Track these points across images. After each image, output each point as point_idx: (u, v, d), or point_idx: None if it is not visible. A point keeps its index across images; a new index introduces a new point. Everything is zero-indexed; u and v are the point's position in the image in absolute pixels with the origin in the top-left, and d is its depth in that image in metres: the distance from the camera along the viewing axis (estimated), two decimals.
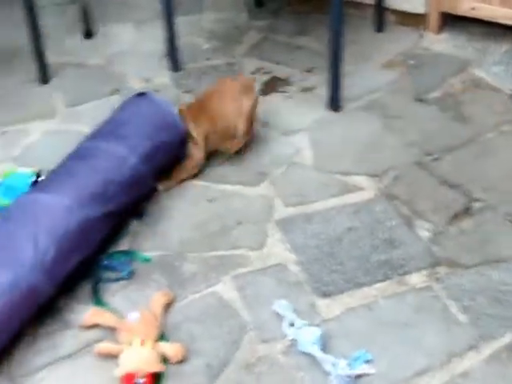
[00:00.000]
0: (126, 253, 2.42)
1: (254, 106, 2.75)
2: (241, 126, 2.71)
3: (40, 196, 2.31)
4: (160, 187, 2.64)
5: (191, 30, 3.61)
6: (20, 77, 3.34)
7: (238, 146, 2.77)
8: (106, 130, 2.57)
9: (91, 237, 2.30)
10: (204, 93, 2.86)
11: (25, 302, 2.09)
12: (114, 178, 2.39)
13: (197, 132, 2.67)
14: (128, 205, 2.45)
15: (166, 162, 2.62)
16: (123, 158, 2.44)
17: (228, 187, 2.67)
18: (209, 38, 3.58)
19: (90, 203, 2.29)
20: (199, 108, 2.75)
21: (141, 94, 2.68)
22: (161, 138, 2.56)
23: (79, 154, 2.48)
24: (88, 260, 2.31)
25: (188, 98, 3.05)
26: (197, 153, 2.68)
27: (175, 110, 2.67)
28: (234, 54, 3.44)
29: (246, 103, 2.72)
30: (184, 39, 3.38)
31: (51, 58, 3.33)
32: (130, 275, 2.34)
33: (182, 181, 2.68)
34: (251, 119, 2.76)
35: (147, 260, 2.39)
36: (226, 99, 2.73)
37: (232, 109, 2.71)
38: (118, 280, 2.32)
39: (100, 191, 2.34)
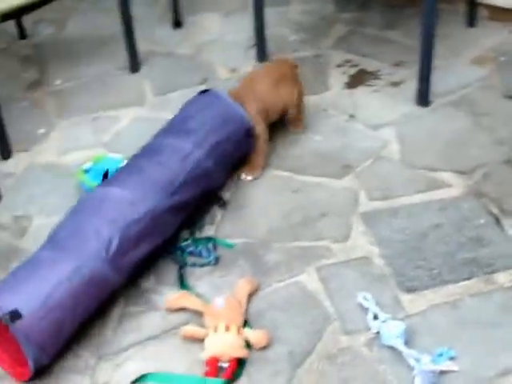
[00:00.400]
0: (210, 239, 2.46)
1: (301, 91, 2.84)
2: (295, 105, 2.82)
3: (107, 189, 2.35)
4: (248, 177, 2.68)
5: (279, 21, 3.62)
6: (111, 64, 3.41)
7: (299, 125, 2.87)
8: (172, 127, 2.62)
9: (158, 228, 2.32)
10: (250, 75, 2.91)
11: (89, 290, 2.12)
12: (179, 172, 2.41)
13: (249, 109, 2.68)
14: (196, 197, 2.47)
15: (233, 155, 2.64)
16: (188, 152, 2.46)
17: (312, 179, 2.68)
18: (296, 29, 3.59)
19: (155, 196, 2.32)
20: (247, 89, 2.77)
21: (205, 91, 2.71)
22: (226, 132, 2.57)
23: (147, 151, 2.52)
24: (162, 249, 2.37)
25: None
26: (259, 128, 2.70)
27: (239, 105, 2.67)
28: (321, 46, 3.44)
29: (297, 87, 2.81)
30: (271, 30, 3.40)
31: (141, 46, 3.39)
32: (216, 261, 2.37)
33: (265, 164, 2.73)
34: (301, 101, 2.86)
35: (230, 246, 2.42)
36: (273, 81, 2.78)
37: (282, 91, 2.78)
38: (203, 266, 2.36)
39: (165, 185, 2.37)
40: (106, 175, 2.53)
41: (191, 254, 2.41)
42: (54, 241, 2.22)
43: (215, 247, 2.42)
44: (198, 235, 2.48)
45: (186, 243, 2.44)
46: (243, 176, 2.69)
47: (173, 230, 2.41)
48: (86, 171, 2.69)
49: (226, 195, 2.63)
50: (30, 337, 1.98)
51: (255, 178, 2.69)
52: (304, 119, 2.91)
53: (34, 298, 2.02)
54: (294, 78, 2.85)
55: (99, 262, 2.14)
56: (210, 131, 2.55)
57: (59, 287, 2.06)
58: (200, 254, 2.40)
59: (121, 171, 2.48)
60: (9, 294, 2.04)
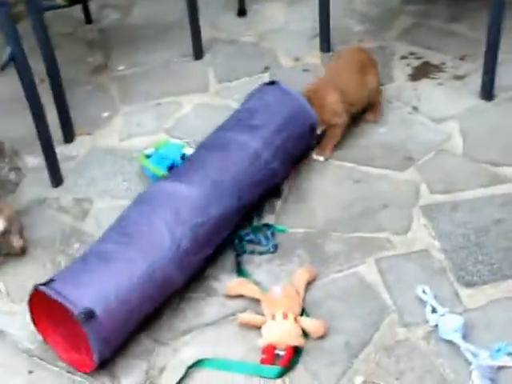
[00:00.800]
0: (268, 226, 2.47)
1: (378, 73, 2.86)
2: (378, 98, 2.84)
3: (176, 186, 2.32)
4: (320, 157, 2.71)
5: (343, 11, 3.60)
6: (175, 51, 3.43)
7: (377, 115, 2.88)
8: (238, 120, 2.59)
9: (223, 230, 2.33)
10: (333, 67, 2.92)
11: (156, 289, 2.14)
12: (246, 171, 2.40)
13: (331, 100, 2.68)
14: (260, 196, 2.49)
15: (296, 153, 2.63)
16: (256, 152, 2.44)
17: (374, 170, 2.67)
18: (361, 20, 3.57)
19: (224, 200, 2.31)
20: (331, 81, 2.77)
21: (271, 83, 2.69)
22: (291, 129, 2.56)
23: (213, 145, 2.50)
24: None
25: None
26: (337, 119, 2.70)
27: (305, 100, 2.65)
28: (386, 38, 3.41)
29: (374, 70, 2.83)
30: (336, 20, 3.37)
31: (205, 34, 3.41)
32: (275, 249, 2.38)
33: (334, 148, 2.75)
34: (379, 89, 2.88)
35: (283, 231, 2.43)
36: (358, 70, 2.79)
37: (367, 79, 2.79)
38: (262, 253, 2.37)
39: (233, 186, 2.35)
40: (171, 167, 2.56)
41: (250, 241, 2.42)
42: (123, 233, 2.21)
43: (273, 235, 2.43)
44: (256, 223, 2.50)
45: (245, 231, 2.45)
46: (315, 156, 2.70)
47: (234, 227, 2.42)
48: (148, 156, 2.72)
49: (285, 184, 2.63)
50: (98, 332, 1.99)
51: (326, 159, 2.70)
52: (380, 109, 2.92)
53: (105, 293, 2.03)
54: (374, 64, 2.85)
55: (169, 261, 2.14)
56: (277, 129, 2.52)
57: (129, 284, 2.07)
58: (259, 242, 2.41)
59: (187, 166, 2.46)
60: (82, 289, 2.04)
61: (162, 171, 2.63)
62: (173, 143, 2.79)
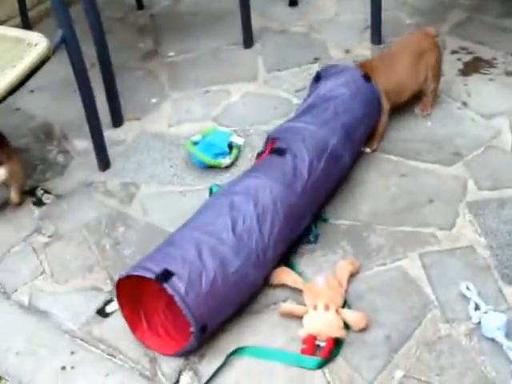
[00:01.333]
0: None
1: (438, 61, 2.81)
2: (430, 84, 2.80)
3: (258, 183, 2.26)
4: (367, 149, 2.70)
5: (395, 4, 3.57)
6: (225, 39, 3.43)
7: (428, 107, 2.84)
8: (314, 109, 2.54)
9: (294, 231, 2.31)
10: (391, 51, 2.88)
11: (242, 290, 2.12)
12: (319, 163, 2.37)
13: (378, 84, 2.65)
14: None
15: (364, 138, 2.65)
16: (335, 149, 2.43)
17: (421, 164, 2.65)
18: (412, 13, 3.54)
19: (304, 203, 2.30)
20: (384, 65, 2.76)
21: (334, 67, 2.69)
22: (369, 122, 2.60)
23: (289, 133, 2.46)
24: None
25: None
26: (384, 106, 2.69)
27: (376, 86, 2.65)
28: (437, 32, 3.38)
29: (432, 59, 2.77)
30: (387, 13, 3.35)
31: (256, 23, 3.40)
32: (316, 239, 2.38)
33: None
34: (438, 75, 2.82)
35: (325, 220, 2.43)
36: (409, 55, 2.76)
37: (421, 67, 2.76)
38: (304, 243, 2.37)
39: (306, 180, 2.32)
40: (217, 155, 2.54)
41: None
42: (208, 231, 2.14)
43: (316, 224, 2.42)
44: None
45: None
46: (362, 148, 2.68)
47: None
48: (195, 143, 2.73)
49: None
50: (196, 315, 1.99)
51: (373, 151, 2.70)
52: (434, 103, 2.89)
53: (203, 280, 2.02)
54: (434, 52, 2.81)
55: (256, 266, 2.13)
56: (358, 118, 2.54)
57: (222, 278, 2.04)
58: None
59: (267, 161, 2.39)
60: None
61: (208, 158, 2.64)
62: (220, 131, 2.80)
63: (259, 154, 2.49)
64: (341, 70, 2.66)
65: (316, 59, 3.24)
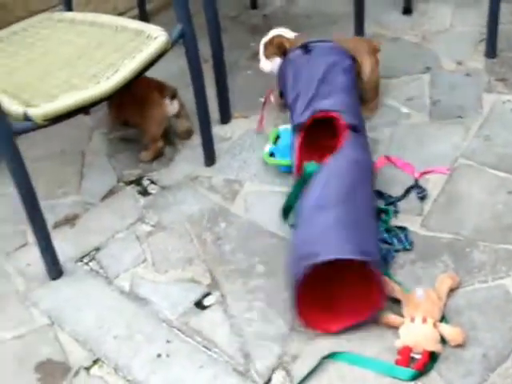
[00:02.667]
0: (403, 229, 2.44)
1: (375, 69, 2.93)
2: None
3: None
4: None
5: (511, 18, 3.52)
6: None
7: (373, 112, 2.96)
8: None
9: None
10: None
11: None
12: None
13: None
14: None
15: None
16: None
17: None
18: None
19: None
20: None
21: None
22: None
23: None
24: None
25: (500, 87, 3.01)
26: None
27: None
28: None
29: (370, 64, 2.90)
30: (504, 26, 3.30)
31: (369, 29, 3.40)
32: (411, 246, 2.37)
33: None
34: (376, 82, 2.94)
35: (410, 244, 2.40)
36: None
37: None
38: (397, 251, 2.36)
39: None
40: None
41: (383, 241, 2.40)
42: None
43: (407, 237, 2.40)
44: (391, 223, 2.47)
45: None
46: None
47: None
48: (271, 154, 2.75)
49: (429, 186, 2.60)
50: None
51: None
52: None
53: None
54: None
55: None
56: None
57: None
58: (391, 243, 2.40)
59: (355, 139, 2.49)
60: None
61: (290, 160, 2.63)
62: (284, 130, 2.79)
63: (301, 126, 2.54)
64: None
65: (427, 69, 3.21)
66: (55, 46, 2.50)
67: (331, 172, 2.33)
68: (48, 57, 2.44)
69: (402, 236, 2.41)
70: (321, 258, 2.04)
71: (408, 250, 2.36)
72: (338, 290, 2.19)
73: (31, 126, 2.14)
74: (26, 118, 2.13)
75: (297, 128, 2.56)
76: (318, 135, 2.54)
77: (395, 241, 2.40)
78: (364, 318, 2.12)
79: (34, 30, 2.63)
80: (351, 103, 2.59)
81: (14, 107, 2.14)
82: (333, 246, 2.09)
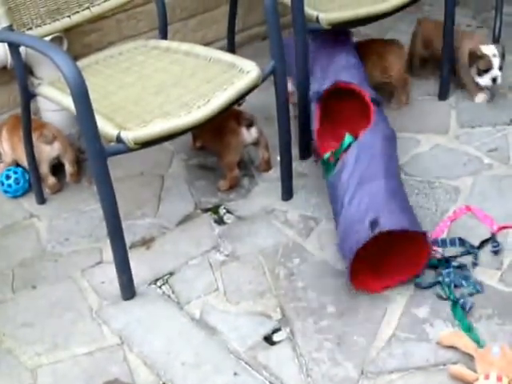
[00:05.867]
0: (462, 266, 2.45)
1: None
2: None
3: None
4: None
5: None
6: (420, 89, 3.41)
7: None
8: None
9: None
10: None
11: None
12: None
13: None
14: None
15: None
16: None
17: None
18: None
19: None
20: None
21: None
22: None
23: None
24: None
25: None
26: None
27: None
28: None
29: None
30: None
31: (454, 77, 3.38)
32: (479, 289, 2.36)
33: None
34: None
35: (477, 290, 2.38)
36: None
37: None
38: (466, 296, 2.34)
39: None
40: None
41: (447, 285, 2.38)
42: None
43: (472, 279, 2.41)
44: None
45: (446, 270, 2.42)
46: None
47: None
48: None
49: (508, 241, 2.57)
50: None
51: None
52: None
53: None
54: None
55: None
56: None
57: None
58: (460, 285, 2.38)
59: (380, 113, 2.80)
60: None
61: None
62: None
63: (320, 96, 2.82)
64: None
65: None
66: (150, 72, 2.55)
67: (370, 148, 2.58)
68: (142, 82, 2.50)
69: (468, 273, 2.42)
70: (387, 228, 2.26)
71: (477, 293, 2.35)
72: (382, 252, 2.40)
73: (123, 148, 2.19)
74: (119, 140, 2.17)
75: (316, 96, 2.83)
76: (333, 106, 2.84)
77: (463, 281, 2.39)
78: (405, 279, 2.39)
79: (129, 54, 2.69)
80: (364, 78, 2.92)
81: (108, 129, 2.19)
82: (395, 217, 2.33)
